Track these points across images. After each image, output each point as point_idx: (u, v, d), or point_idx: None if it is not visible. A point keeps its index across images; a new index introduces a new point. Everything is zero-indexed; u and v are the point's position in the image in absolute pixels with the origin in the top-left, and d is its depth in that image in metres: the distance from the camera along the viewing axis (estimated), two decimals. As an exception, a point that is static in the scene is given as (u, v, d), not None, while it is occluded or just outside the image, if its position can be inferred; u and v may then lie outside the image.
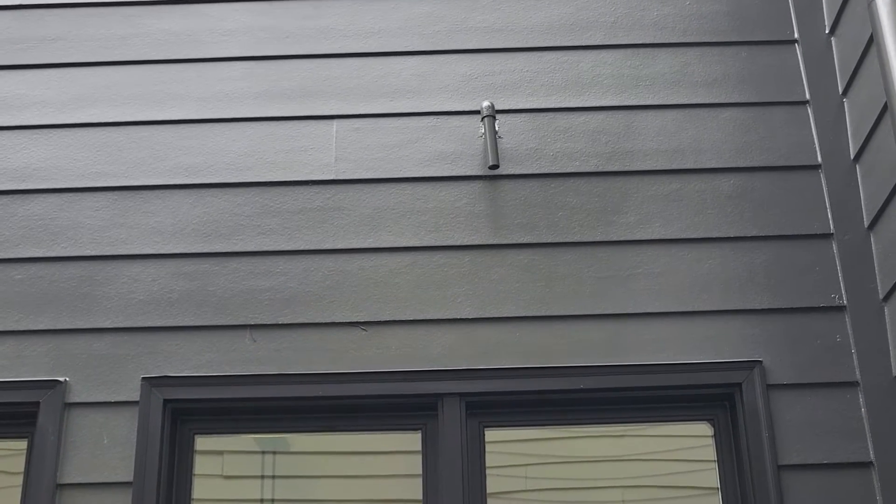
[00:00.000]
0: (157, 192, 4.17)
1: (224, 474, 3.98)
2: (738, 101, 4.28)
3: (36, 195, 4.18)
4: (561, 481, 3.99)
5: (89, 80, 4.37)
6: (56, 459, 3.77)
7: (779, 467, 3.73)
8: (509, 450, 3.97)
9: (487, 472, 3.84)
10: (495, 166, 4.05)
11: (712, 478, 3.89)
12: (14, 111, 4.32)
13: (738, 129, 4.22)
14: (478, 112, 4.22)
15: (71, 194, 4.17)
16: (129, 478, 3.75)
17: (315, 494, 4.05)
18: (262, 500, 4.00)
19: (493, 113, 4.14)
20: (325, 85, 4.34)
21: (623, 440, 4.02)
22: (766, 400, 3.81)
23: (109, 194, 4.17)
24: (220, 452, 3.99)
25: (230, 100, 4.32)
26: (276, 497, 4.02)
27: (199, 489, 3.88)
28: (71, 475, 3.77)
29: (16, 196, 4.17)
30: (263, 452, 4.01)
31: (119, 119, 4.30)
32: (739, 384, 3.85)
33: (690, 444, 3.98)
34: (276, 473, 4.04)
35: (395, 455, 4.06)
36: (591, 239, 4.07)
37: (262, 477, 4.01)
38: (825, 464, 3.73)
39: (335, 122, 4.27)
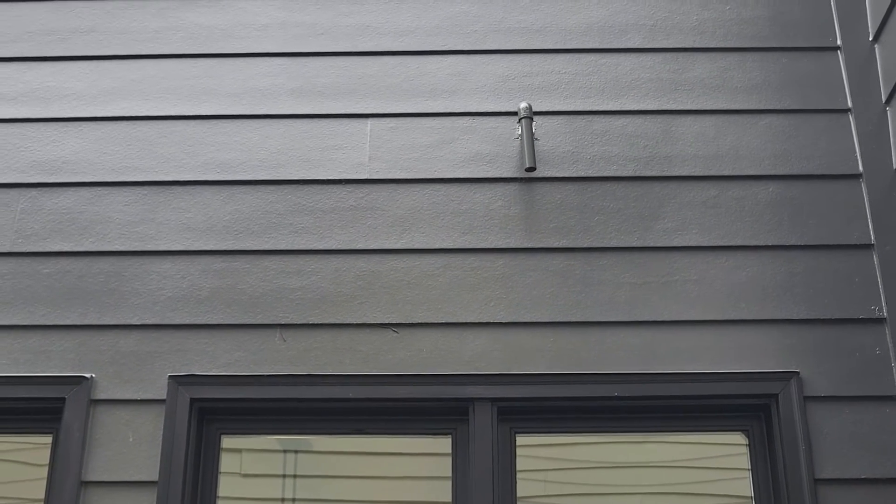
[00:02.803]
0: (188, 188, 4.11)
1: (243, 472, 3.90)
2: (779, 107, 4.21)
3: (65, 188, 4.13)
4: (590, 486, 3.92)
5: (121, 73, 4.32)
6: (81, 456, 3.72)
7: (815, 481, 3.67)
8: (538, 454, 3.89)
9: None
10: (532, 168, 3.99)
11: (743, 487, 3.80)
12: (44, 103, 4.28)
13: (777, 137, 4.15)
14: (514, 113, 4.17)
15: (100, 188, 4.12)
16: (155, 477, 3.70)
17: (339, 495, 3.96)
18: (283, 500, 3.92)
19: (531, 114, 4.08)
20: (360, 83, 4.28)
21: (653, 446, 3.92)
22: (802, 412, 3.75)
23: (139, 189, 4.11)
24: (239, 450, 3.91)
25: (264, 96, 4.27)
26: (297, 497, 3.93)
27: (223, 488, 3.80)
28: (96, 473, 3.72)
29: (44, 189, 4.12)
30: (285, 451, 3.94)
31: (151, 113, 4.25)
32: (776, 395, 3.78)
33: (722, 452, 3.90)
34: (298, 473, 3.96)
35: (423, 457, 3.97)
36: (627, 244, 4.00)
37: (284, 476, 3.95)
38: (863, 478, 3.66)
39: (370, 121, 4.21)
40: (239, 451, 3.95)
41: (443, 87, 4.28)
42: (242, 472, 3.95)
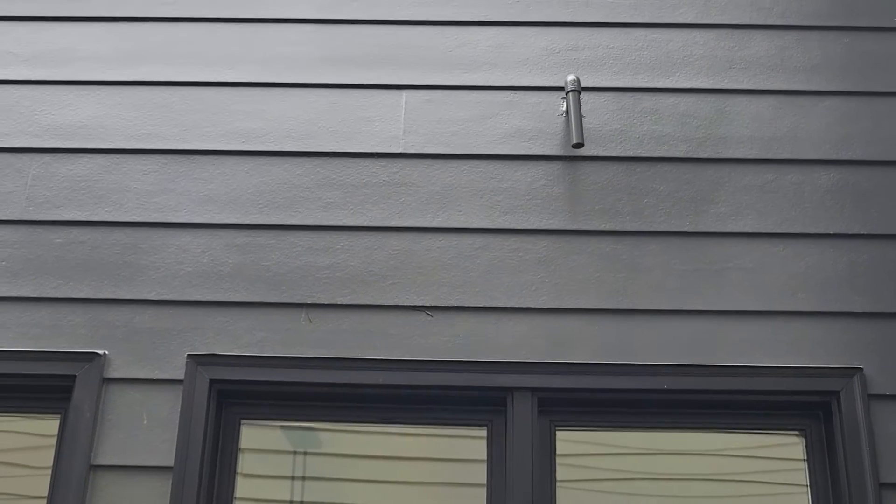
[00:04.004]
0: (210, 158, 3.88)
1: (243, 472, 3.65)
2: (840, 89, 3.98)
3: (80, 155, 3.90)
4: (632, 473, 3.65)
5: (143, 36, 4.09)
6: (91, 438, 3.48)
7: (880, 485, 3.42)
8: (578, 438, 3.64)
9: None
10: (579, 145, 3.74)
11: (800, 488, 3.54)
12: (61, 65, 4.05)
13: (839, 120, 3.91)
14: (558, 88, 3.93)
15: (118, 156, 3.89)
16: (170, 462, 3.45)
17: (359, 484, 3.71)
18: (303, 477, 3.66)
19: (579, 88, 3.84)
20: (396, 53, 4.05)
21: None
22: (866, 411, 3.50)
23: (159, 157, 3.88)
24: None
25: (293, 64, 4.04)
26: (308, 475, 3.67)
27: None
28: (106, 456, 3.47)
29: (59, 155, 3.89)
30: (304, 453, 3.69)
31: (173, 78, 4.02)
32: (837, 392, 3.54)
33: (778, 441, 3.65)
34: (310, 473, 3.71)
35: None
36: (678, 229, 3.76)
37: (302, 478, 3.69)
38: (931, 484, 3.38)
39: (405, 93, 3.97)
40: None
41: (483, 59, 4.04)
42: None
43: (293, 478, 3.68)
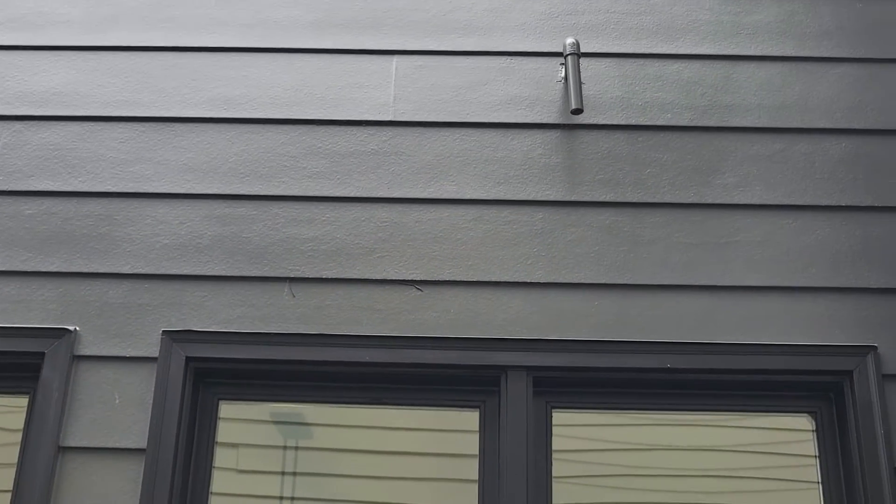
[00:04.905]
0: (190, 126, 3.69)
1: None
2: (853, 56, 3.80)
3: (54, 122, 3.72)
4: (633, 468, 3.46)
5: (121, 0, 3.87)
6: (60, 419, 3.29)
7: (894, 469, 3.22)
8: (576, 434, 3.44)
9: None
10: (578, 111, 3.55)
11: (809, 472, 3.34)
12: (35, 29, 3.87)
13: (851, 87, 3.72)
14: (557, 54, 3.74)
15: (93, 123, 3.71)
16: (143, 444, 3.26)
17: (346, 470, 3.51)
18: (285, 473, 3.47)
19: (578, 51, 3.65)
20: (387, 16, 3.86)
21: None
22: (881, 391, 3.31)
23: (137, 125, 3.70)
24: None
25: (279, 28, 3.86)
26: (298, 470, 3.47)
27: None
28: (76, 438, 3.29)
29: (31, 123, 3.71)
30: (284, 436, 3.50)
31: (152, 43, 3.84)
32: (850, 372, 3.35)
33: (787, 425, 3.45)
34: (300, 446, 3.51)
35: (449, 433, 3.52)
36: (682, 200, 3.57)
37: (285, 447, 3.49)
38: (949, 468, 3.19)
39: (395, 58, 3.79)
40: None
41: (478, 23, 3.86)
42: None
43: (282, 473, 3.47)
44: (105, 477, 3.25)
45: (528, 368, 3.39)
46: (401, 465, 3.51)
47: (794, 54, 3.81)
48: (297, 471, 3.48)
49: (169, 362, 3.36)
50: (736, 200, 3.59)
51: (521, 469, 3.27)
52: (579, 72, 3.64)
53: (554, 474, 3.36)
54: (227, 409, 3.46)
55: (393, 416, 3.51)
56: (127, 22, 3.87)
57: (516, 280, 3.48)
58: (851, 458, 3.27)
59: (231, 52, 3.83)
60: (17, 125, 3.70)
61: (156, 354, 3.37)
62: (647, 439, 3.50)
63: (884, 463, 3.22)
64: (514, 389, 3.37)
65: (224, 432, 3.43)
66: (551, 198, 3.59)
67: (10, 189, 3.61)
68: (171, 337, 3.39)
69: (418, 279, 3.48)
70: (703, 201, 3.59)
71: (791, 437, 3.51)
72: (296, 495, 3.49)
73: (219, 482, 3.38)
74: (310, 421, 3.54)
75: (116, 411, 3.32)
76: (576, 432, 3.48)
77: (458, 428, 3.48)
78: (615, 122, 3.70)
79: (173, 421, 3.29)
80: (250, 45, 3.84)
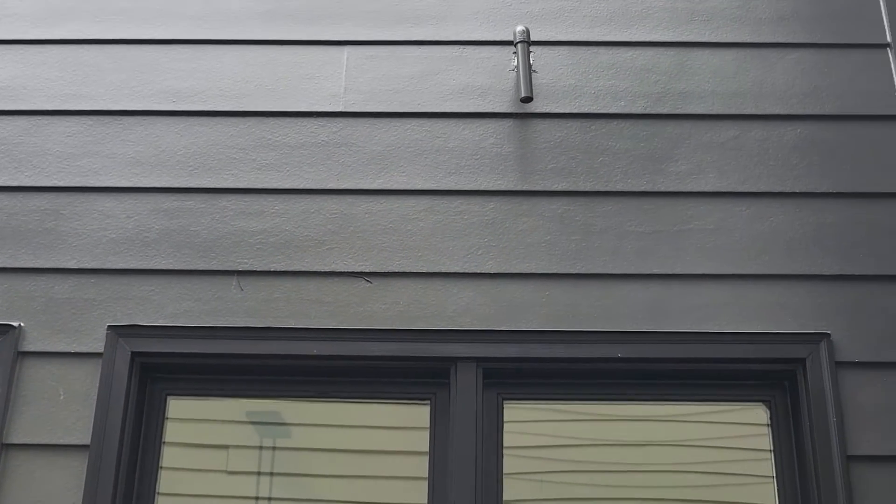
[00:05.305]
0: (138, 119, 3.66)
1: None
2: (809, 41, 3.77)
3: (-1, 117, 3.63)
4: (584, 463, 3.42)
5: (69, -8, 3.84)
6: (3, 416, 3.25)
7: (847, 458, 3.19)
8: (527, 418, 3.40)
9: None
10: (528, 99, 3.52)
11: (764, 464, 3.30)
12: (-20, 23, 3.78)
13: (807, 73, 3.69)
14: (509, 42, 3.71)
15: (39, 117, 3.67)
16: (87, 440, 3.23)
17: (307, 469, 3.47)
18: (230, 472, 3.42)
19: (528, 39, 3.62)
20: (338, 6, 3.84)
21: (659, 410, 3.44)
22: (834, 379, 3.28)
23: (83, 119, 3.66)
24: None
25: (230, 19, 3.82)
26: (262, 470, 3.43)
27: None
28: (19, 434, 3.25)
29: (-25, 117, 3.63)
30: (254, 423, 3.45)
31: (100, 36, 3.81)
32: (803, 360, 3.31)
33: (742, 418, 3.40)
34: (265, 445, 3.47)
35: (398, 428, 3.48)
36: (635, 189, 3.55)
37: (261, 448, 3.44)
38: (902, 455, 3.15)
39: (346, 49, 3.76)
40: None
41: (430, 12, 3.83)
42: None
43: (226, 473, 3.42)
44: (49, 474, 3.21)
45: (479, 360, 3.35)
46: (352, 462, 3.46)
47: (749, 40, 3.78)
48: (249, 470, 3.43)
49: (114, 357, 3.32)
50: (689, 188, 3.55)
51: (471, 465, 3.23)
52: (529, 59, 3.60)
53: (505, 467, 3.30)
54: (175, 408, 3.39)
55: (343, 410, 3.47)
56: (74, 14, 3.84)
57: (467, 271, 3.45)
58: (804, 447, 3.25)
59: (181, 43, 3.80)
60: (-38, 120, 3.65)
61: (101, 350, 3.34)
62: (599, 434, 3.47)
63: (836, 452, 3.19)
64: (463, 381, 3.33)
65: (172, 429, 3.37)
66: (503, 188, 3.55)
67: (-46, 184, 3.55)
68: (117, 332, 3.35)
69: (367, 271, 3.44)
70: (655, 189, 3.55)
71: (747, 430, 3.46)
72: (247, 494, 3.43)
73: (167, 476, 3.32)
74: (256, 414, 3.49)
75: (61, 408, 3.28)
76: (527, 428, 3.43)
77: (410, 425, 3.43)
78: (568, 111, 3.66)
79: (118, 417, 3.25)
80: (200, 36, 3.81)
